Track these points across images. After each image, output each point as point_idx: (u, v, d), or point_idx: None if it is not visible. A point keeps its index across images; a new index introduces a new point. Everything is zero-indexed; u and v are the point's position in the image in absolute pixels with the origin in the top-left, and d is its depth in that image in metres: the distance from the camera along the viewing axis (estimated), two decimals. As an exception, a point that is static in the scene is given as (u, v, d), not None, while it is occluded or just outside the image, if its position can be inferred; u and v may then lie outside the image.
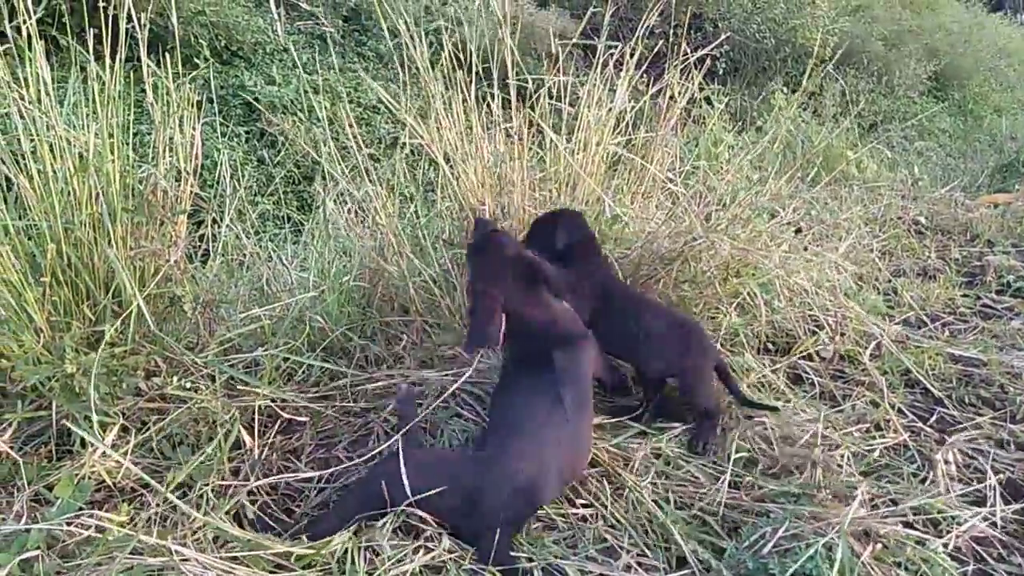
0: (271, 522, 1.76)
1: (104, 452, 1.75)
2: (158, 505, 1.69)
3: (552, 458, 1.75)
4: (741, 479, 1.90)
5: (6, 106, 2.03)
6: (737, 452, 1.98)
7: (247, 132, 5.82)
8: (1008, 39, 12.50)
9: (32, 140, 2.02)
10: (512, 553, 1.65)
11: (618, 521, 1.76)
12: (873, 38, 9.41)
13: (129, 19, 2.15)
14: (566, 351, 1.93)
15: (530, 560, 1.64)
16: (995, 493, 1.88)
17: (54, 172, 2.03)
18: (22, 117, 2.01)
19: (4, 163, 2.01)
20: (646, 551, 1.68)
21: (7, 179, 2.01)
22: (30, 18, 1.97)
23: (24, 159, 2.02)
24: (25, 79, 2.03)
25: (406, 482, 1.65)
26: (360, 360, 2.38)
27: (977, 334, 2.84)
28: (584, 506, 1.81)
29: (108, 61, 2.12)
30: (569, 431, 1.80)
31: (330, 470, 1.93)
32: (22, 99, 2.01)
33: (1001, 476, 1.97)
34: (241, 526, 1.70)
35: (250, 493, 1.79)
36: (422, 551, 1.61)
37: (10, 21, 2.05)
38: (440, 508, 1.68)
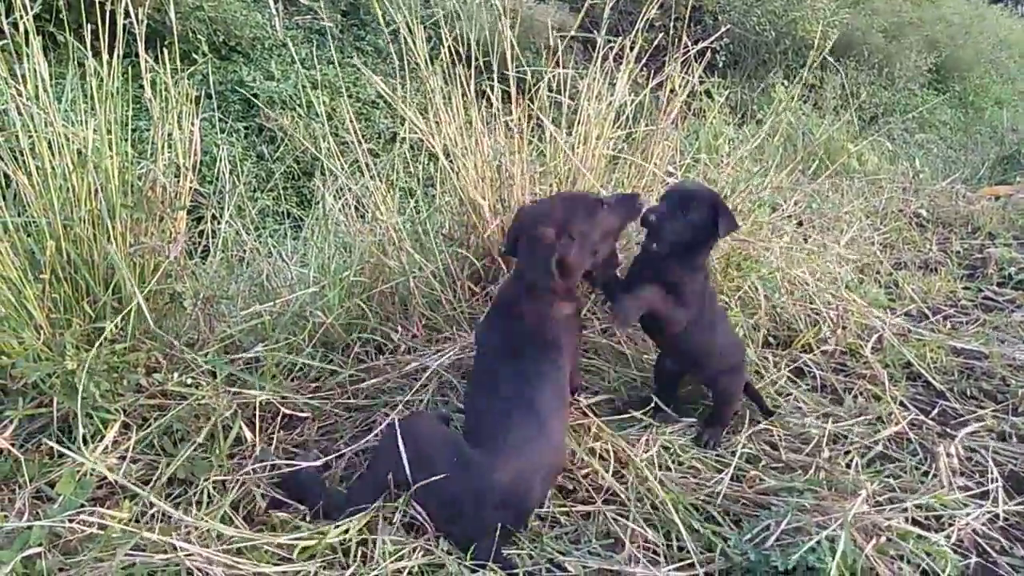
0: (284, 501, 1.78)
1: (104, 449, 1.76)
2: (158, 500, 1.68)
3: (536, 467, 1.71)
4: (745, 473, 1.90)
5: (4, 102, 2.02)
6: (742, 448, 1.99)
7: (246, 128, 5.80)
8: (1009, 31, 12.50)
9: (31, 136, 2.01)
10: (509, 552, 1.65)
11: (621, 514, 1.75)
12: (873, 30, 9.38)
13: (127, 15, 2.13)
14: (544, 352, 1.86)
15: (531, 557, 1.64)
16: (997, 486, 1.89)
17: (53, 169, 2.02)
18: (20, 113, 2.01)
19: (3, 160, 2.00)
20: (649, 543, 1.68)
21: (6, 176, 2.01)
22: (27, 14, 1.96)
23: (23, 156, 2.01)
24: (23, 75, 2.02)
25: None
26: (360, 355, 2.38)
27: (979, 327, 2.83)
28: (588, 501, 1.81)
29: (106, 57, 2.11)
30: (548, 437, 1.75)
31: (330, 464, 1.93)
32: (20, 95, 2.00)
33: (1003, 469, 1.98)
34: (249, 519, 1.70)
35: (256, 486, 1.78)
36: (421, 552, 1.61)
37: (7, 17, 2.03)
38: (429, 506, 1.68)
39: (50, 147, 2.03)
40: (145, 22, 2.16)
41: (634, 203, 1.96)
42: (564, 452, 1.84)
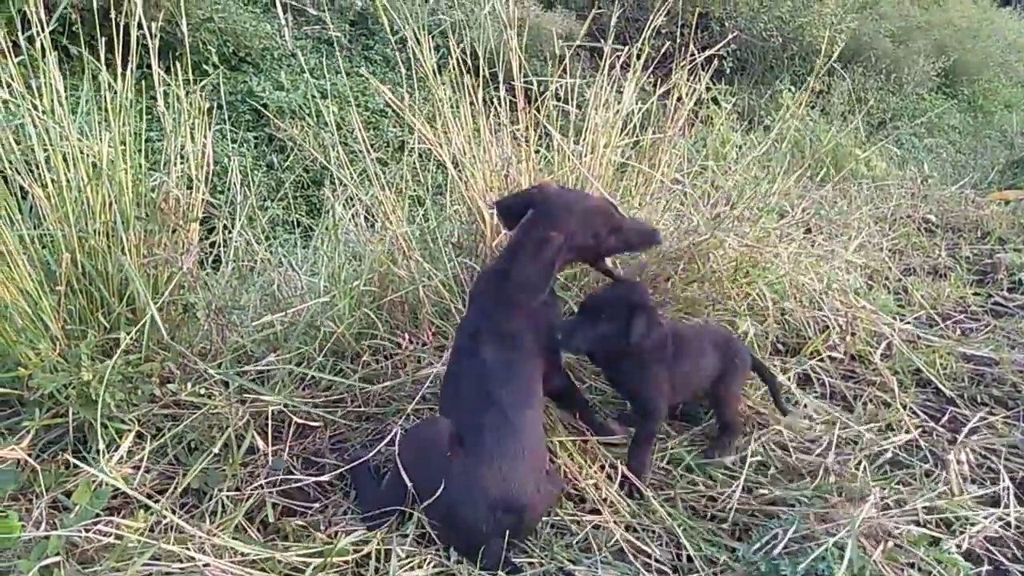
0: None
1: (119, 459, 1.78)
2: (173, 512, 1.70)
3: (520, 466, 1.68)
4: (753, 482, 1.90)
5: (20, 116, 2.06)
6: (751, 457, 1.99)
7: (256, 137, 5.86)
8: (1018, 34, 12.45)
9: (46, 150, 2.04)
10: (519, 560, 1.66)
11: (630, 525, 1.76)
12: (881, 35, 9.38)
13: (140, 27, 2.16)
14: (509, 343, 1.81)
15: (541, 565, 1.65)
16: (1008, 493, 1.88)
17: (68, 182, 2.05)
18: (35, 126, 2.04)
19: (19, 173, 2.03)
20: (658, 554, 1.69)
21: (22, 189, 2.04)
22: (44, 30, 1.99)
23: (38, 169, 2.04)
24: (38, 88, 2.06)
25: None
26: (370, 363, 2.39)
27: (989, 333, 2.82)
28: (597, 510, 1.82)
29: (120, 70, 2.14)
30: (522, 435, 1.72)
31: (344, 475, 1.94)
32: (36, 109, 2.04)
33: (1014, 475, 1.97)
34: (263, 525, 1.72)
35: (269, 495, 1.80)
36: (433, 563, 1.62)
37: (23, 31, 2.07)
38: (431, 518, 1.70)
39: (65, 160, 2.06)
40: (158, 37, 2.19)
41: (650, 236, 1.95)
42: (543, 447, 1.81)
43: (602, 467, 1.95)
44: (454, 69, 2.55)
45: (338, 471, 1.89)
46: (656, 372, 1.95)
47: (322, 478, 1.87)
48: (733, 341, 2.16)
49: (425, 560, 1.62)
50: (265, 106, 5.95)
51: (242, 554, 1.55)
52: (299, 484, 1.87)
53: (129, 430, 1.86)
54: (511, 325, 1.82)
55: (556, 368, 1.95)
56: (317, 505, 1.85)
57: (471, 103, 2.58)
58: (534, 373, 1.84)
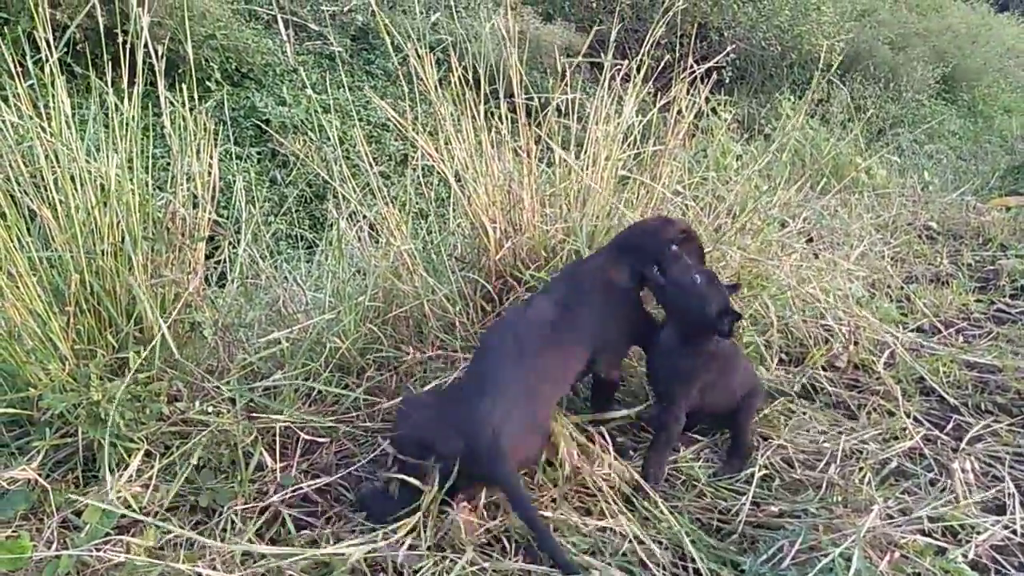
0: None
1: (128, 478, 1.79)
2: (182, 527, 1.71)
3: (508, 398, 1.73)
4: (760, 496, 1.91)
5: (29, 138, 2.08)
6: (758, 472, 1.99)
7: (259, 153, 5.89)
8: (1016, 39, 12.50)
9: (54, 172, 2.07)
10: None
11: (635, 536, 1.77)
12: (880, 42, 9.41)
13: (145, 46, 2.19)
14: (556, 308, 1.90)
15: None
16: (1014, 500, 1.89)
17: (76, 203, 2.07)
18: (43, 148, 2.06)
19: (28, 195, 2.06)
20: (664, 566, 1.69)
21: (31, 211, 2.06)
22: (52, 53, 2.02)
23: (47, 190, 2.07)
24: (46, 106, 2.08)
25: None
26: (375, 378, 2.40)
27: (992, 340, 2.83)
28: (600, 519, 1.82)
29: (126, 89, 2.16)
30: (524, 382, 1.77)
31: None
32: (44, 131, 2.06)
33: (1019, 483, 1.97)
34: (274, 541, 1.74)
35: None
36: (447, 560, 1.63)
37: (29, 50, 2.10)
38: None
39: (73, 182, 2.08)
40: (165, 58, 2.21)
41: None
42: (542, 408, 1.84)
43: (610, 466, 1.96)
44: (456, 85, 2.58)
45: (352, 503, 1.90)
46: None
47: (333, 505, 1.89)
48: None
49: (439, 562, 1.63)
50: (267, 122, 5.99)
51: (252, 567, 1.56)
52: (309, 502, 1.88)
53: (138, 449, 1.87)
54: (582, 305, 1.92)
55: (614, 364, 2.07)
56: (325, 519, 1.87)
57: (473, 118, 2.61)
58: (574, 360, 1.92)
